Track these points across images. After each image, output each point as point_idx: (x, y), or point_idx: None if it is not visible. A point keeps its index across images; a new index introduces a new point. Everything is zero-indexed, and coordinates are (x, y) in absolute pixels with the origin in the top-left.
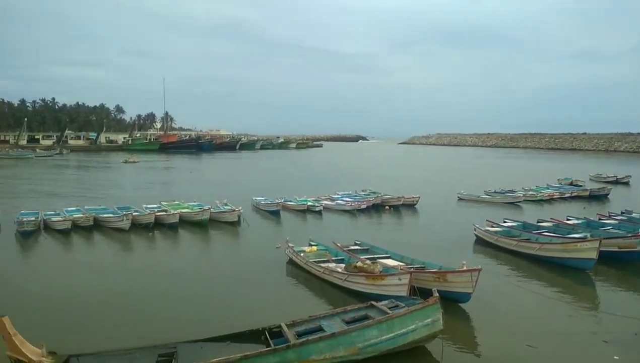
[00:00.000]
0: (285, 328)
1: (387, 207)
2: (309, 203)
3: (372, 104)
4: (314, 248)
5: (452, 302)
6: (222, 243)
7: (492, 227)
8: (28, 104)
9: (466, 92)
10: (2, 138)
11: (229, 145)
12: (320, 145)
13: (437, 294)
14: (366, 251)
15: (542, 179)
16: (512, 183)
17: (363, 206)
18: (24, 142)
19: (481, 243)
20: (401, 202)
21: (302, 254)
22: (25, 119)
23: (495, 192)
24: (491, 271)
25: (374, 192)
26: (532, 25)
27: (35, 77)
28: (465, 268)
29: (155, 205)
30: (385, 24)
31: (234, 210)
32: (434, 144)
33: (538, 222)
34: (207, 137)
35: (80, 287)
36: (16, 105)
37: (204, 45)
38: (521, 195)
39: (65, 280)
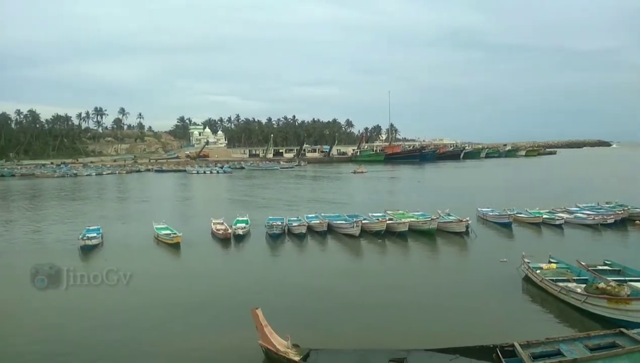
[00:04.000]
0: (519, 348)
1: (637, 222)
2: (545, 216)
3: (616, 105)
4: (553, 265)
5: None
6: (450, 253)
7: None
8: (273, 122)
9: None
10: (254, 152)
11: (453, 154)
12: (554, 152)
13: None
14: (617, 272)
15: None
16: None
17: (609, 220)
18: (270, 155)
19: None
20: None
21: (538, 271)
22: (272, 135)
23: None
24: None
25: (621, 205)
26: None
27: (279, 98)
28: None
29: (380, 214)
30: (632, 15)
31: (461, 221)
32: None
33: None
34: (430, 147)
35: (317, 287)
36: (264, 123)
37: (426, 57)
38: None
39: (304, 279)
